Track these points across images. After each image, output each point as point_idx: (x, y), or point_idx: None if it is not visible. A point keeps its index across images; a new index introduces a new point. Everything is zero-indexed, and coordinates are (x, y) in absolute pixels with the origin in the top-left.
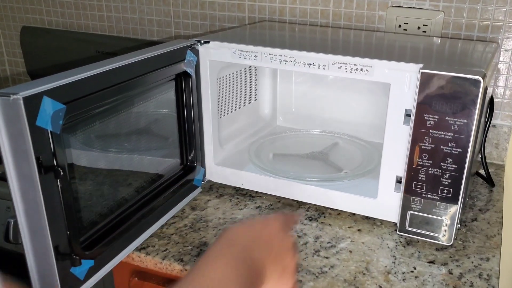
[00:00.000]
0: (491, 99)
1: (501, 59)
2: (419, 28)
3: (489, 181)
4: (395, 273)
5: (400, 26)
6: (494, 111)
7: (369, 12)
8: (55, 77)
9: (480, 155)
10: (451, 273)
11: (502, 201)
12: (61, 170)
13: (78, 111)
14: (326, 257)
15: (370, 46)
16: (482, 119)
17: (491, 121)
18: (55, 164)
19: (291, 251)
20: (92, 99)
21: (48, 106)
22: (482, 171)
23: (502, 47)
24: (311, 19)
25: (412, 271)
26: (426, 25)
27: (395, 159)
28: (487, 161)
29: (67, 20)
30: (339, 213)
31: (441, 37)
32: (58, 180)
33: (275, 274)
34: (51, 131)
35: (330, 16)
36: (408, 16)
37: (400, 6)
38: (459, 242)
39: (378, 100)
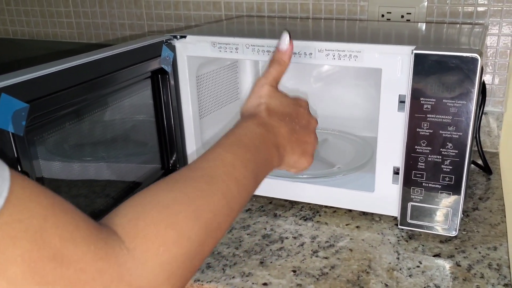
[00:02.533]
0: (483, 84)
1: (488, 44)
2: (402, 17)
3: (487, 169)
4: (400, 269)
5: (383, 16)
6: None
7: (350, 3)
8: (16, 73)
9: (475, 143)
10: (459, 265)
11: (502, 189)
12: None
13: (43, 111)
14: (326, 258)
15: (357, 33)
16: None
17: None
18: (19, 170)
19: (312, 134)
20: (59, 97)
21: (8, 105)
22: (476, 160)
23: (489, 32)
24: (291, 13)
25: (418, 266)
26: (410, 13)
27: (391, 149)
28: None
29: (33, 29)
30: (335, 210)
31: (426, 22)
32: None
33: (294, 156)
34: (12, 133)
35: (310, 10)
36: (390, 5)
37: None
38: (463, 232)
39: (366, 93)
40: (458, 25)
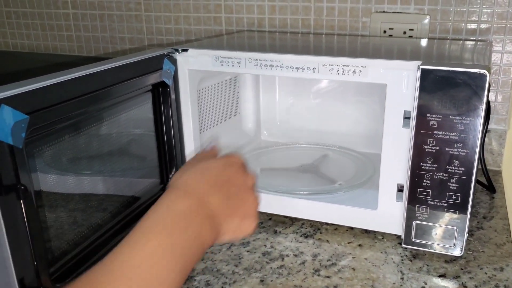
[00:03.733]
0: (488, 101)
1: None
2: (405, 33)
3: (490, 187)
4: None
5: (385, 32)
6: None
7: (352, 19)
8: (17, 84)
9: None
10: (465, 286)
11: (506, 208)
12: (24, 190)
13: (43, 123)
14: (328, 277)
15: (360, 48)
16: None
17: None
18: (17, 182)
19: (251, 193)
20: (59, 109)
21: (8, 116)
22: (478, 178)
23: (492, 49)
24: (292, 29)
25: (423, 287)
26: (412, 30)
27: (395, 166)
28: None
29: (33, 42)
30: (336, 228)
31: (428, 38)
32: (21, 202)
33: (234, 222)
34: (11, 145)
35: (312, 25)
36: (393, 21)
37: (384, 12)
38: (468, 252)
39: (366, 109)
40: (461, 41)
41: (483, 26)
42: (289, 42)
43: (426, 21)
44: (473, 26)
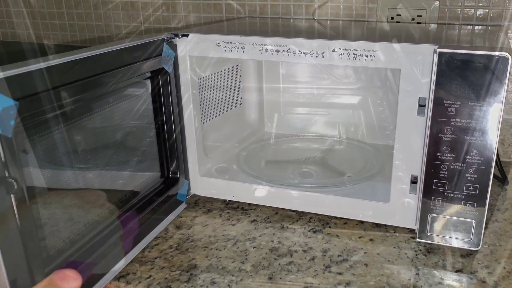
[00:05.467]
0: None
1: None
2: (413, 19)
3: (503, 178)
4: (421, 286)
5: (392, 18)
6: None
7: (358, 5)
8: (4, 67)
9: None
10: (484, 282)
11: None
12: (14, 183)
13: (34, 110)
14: (339, 273)
15: (371, 33)
16: None
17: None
18: (6, 175)
19: None
20: (52, 95)
21: None
22: None
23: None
24: (295, 16)
25: (440, 283)
26: (421, 16)
27: (409, 156)
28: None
29: (23, 31)
30: (346, 222)
31: (437, 23)
32: (11, 196)
33: None
34: (0, 134)
35: (316, 12)
36: (400, 7)
37: None
38: (485, 246)
39: (373, 99)
40: (471, 26)
41: (494, 11)
42: (293, 28)
43: (435, 6)
44: (484, 11)
